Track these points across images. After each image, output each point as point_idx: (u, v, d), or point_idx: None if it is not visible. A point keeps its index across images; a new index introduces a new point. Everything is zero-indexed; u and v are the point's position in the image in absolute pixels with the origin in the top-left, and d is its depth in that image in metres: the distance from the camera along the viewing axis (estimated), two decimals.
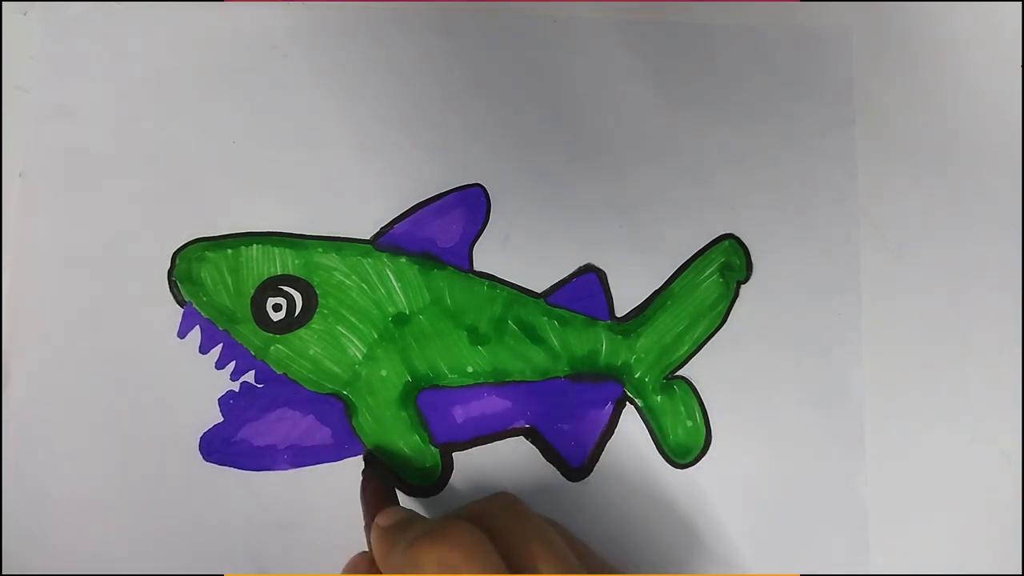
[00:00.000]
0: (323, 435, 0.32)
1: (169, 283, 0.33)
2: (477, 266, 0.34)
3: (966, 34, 0.36)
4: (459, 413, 0.33)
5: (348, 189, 0.34)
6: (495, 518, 0.26)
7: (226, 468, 0.32)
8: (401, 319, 0.33)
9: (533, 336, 0.33)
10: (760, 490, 0.33)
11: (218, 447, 0.32)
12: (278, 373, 0.32)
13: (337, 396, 0.32)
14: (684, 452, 0.33)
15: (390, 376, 0.33)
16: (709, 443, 0.33)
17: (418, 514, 0.29)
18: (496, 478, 0.33)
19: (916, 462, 0.34)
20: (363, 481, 0.31)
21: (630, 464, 0.33)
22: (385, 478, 0.31)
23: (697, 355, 0.34)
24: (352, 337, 0.33)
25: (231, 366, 0.32)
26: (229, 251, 0.33)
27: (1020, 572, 0.33)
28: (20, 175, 0.33)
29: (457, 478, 0.33)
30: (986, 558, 0.33)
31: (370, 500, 0.30)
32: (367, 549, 0.29)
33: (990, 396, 0.34)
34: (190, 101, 0.34)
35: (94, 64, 0.34)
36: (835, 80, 0.36)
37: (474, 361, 0.33)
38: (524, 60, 0.35)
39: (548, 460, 0.33)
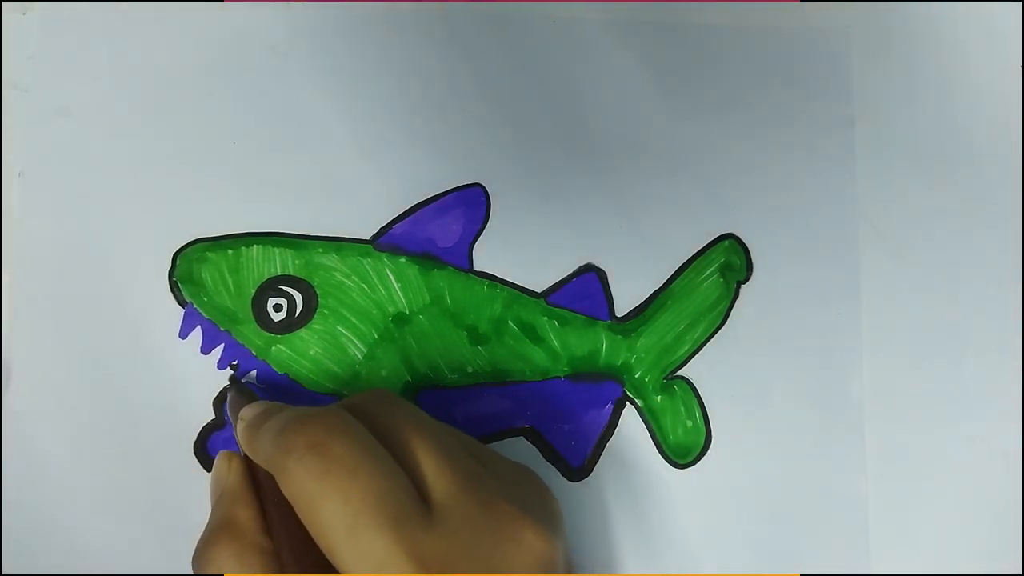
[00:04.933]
0: None
1: (170, 284, 0.33)
2: (477, 266, 0.34)
3: (966, 34, 0.36)
4: (459, 413, 0.33)
5: (348, 189, 0.33)
6: (371, 409, 0.26)
7: None
8: (401, 319, 0.33)
9: (533, 336, 0.33)
10: (760, 490, 0.33)
11: (222, 447, 0.32)
12: (279, 373, 0.32)
13: (338, 396, 0.32)
14: (684, 452, 0.33)
15: (390, 376, 0.33)
16: (709, 443, 0.33)
17: (283, 404, 0.28)
18: None
19: (916, 462, 0.34)
20: (228, 395, 0.31)
21: (630, 464, 0.33)
22: (247, 392, 0.31)
23: (697, 355, 0.34)
24: (352, 337, 0.33)
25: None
26: (230, 251, 0.33)
27: (1020, 572, 0.33)
28: (20, 175, 0.33)
29: None
30: (986, 558, 0.33)
31: (233, 405, 0.30)
32: None
33: (990, 396, 0.34)
34: (190, 101, 0.34)
35: (93, 64, 0.34)
36: (835, 80, 0.36)
37: (474, 361, 0.33)
38: (524, 60, 0.35)
39: (548, 460, 0.33)
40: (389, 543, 0.22)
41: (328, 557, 0.23)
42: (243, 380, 0.32)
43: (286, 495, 0.24)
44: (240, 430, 0.28)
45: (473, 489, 0.24)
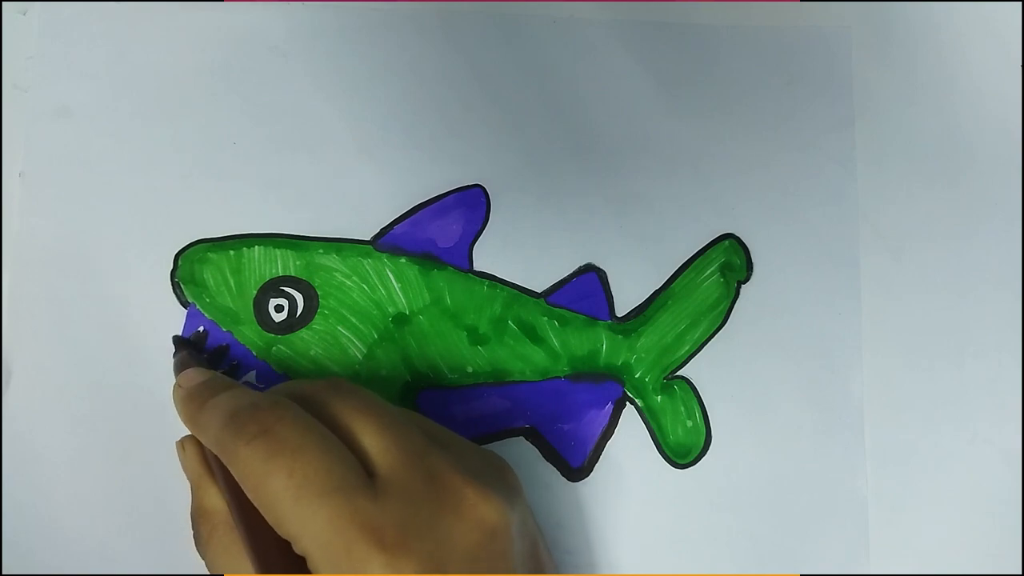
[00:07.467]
0: None
1: (172, 284, 0.32)
2: (477, 266, 0.34)
3: (966, 34, 0.36)
4: (459, 413, 0.33)
5: (348, 190, 0.33)
6: (319, 397, 0.27)
7: None
8: (401, 319, 0.33)
9: (533, 336, 0.33)
10: (760, 490, 0.33)
11: None
12: (279, 373, 0.32)
13: None
14: (684, 452, 0.33)
15: (390, 376, 0.33)
16: (709, 443, 0.33)
17: (221, 376, 0.29)
18: None
19: (916, 462, 0.34)
20: (175, 357, 0.31)
21: (630, 464, 0.33)
22: (196, 358, 0.31)
23: (697, 355, 0.34)
24: (352, 337, 0.33)
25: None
26: (231, 252, 0.33)
27: (1020, 572, 0.33)
28: (20, 175, 0.33)
29: None
30: (986, 558, 0.33)
31: (177, 369, 0.30)
32: None
33: (990, 396, 0.34)
34: (190, 101, 0.34)
35: (93, 64, 0.34)
36: (835, 80, 0.36)
37: (474, 361, 0.33)
38: (524, 60, 0.35)
39: (548, 460, 0.33)
40: (332, 510, 0.23)
41: (275, 528, 0.24)
42: (188, 339, 0.32)
43: (235, 476, 0.25)
44: (178, 397, 0.29)
45: (419, 463, 0.25)
